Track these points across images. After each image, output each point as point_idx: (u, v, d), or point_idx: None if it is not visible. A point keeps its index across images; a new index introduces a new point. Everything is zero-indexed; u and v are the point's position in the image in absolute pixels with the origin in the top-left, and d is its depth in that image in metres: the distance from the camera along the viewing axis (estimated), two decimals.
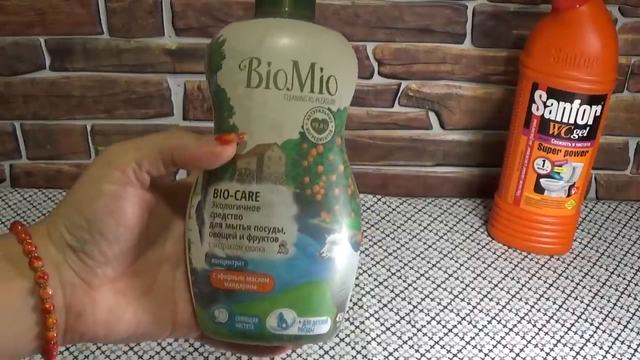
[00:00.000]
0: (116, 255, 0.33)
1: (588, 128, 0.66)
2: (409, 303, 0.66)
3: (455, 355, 0.60)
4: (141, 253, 0.35)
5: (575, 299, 0.67)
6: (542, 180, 0.69)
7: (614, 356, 0.60)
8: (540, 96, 0.66)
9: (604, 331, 0.63)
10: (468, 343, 0.61)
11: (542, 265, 0.72)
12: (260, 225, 0.33)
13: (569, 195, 0.70)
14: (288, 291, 0.34)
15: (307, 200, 0.34)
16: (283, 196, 0.33)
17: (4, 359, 0.31)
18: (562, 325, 0.64)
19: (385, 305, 0.65)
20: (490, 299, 0.67)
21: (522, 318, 0.64)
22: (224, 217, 0.34)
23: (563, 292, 0.68)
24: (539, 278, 0.70)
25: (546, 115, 0.66)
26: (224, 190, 0.34)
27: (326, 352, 0.59)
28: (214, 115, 0.35)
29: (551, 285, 0.69)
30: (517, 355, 0.60)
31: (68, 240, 0.32)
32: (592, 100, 0.65)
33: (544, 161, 0.68)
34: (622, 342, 0.62)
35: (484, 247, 0.74)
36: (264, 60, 0.33)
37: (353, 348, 0.59)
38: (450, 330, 0.62)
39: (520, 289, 0.68)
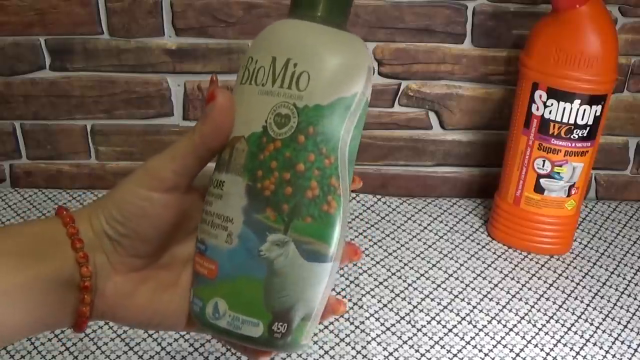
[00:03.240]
0: (146, 251, 0.36)
1: (588, 128, 0.66)
2: (409, 303, 0.66)
3: (455, 355, 0.60)
4: (170, 249, 0.37)
5: (575, 299, 0.67)
6: (542, 180, 0.69)
7: (614, 356, 0.60)
8: (540, 96, 0.66)
9: (604, 331, 0.63)
10: (468, 343, 0.61)
11: (542, 265, 0.72)
12: (219, 213, 0.35)
13: (569, 195, 0.70)
14: (226, 282, 0.34)
15: (255, 194, 0.34)
16: (238, 187, 0.34)
17: (41, 329, 0.35)
18: (562, 325, 0.64)
19: (385, 305, 0.65)
20: (490, 299, 0.67)
21: (522, 318, 0.64)
22: (206, 203, 0.36)
23: (563, 292, 0.68)
24: (539, 278, 0.70)
25: (546, 115, 0.66)
26: (213, 180, 0.36)
27: (326, 352, 0.59)
28: None
29: (551, 285, 0.69)
30: (517, 355, 0.60)
31: (106, 229, 0.35)
32: (592, 100, 0.65)
33: (544, 161, 0.68)
34: (622, 342, 0.62)
35: (484, 247, 0.74)
36: (254, 58, 0.35)
37: (353, 348, 0.59)
38: (450, 330, 0.62)
39: (520, 289, 0.68)
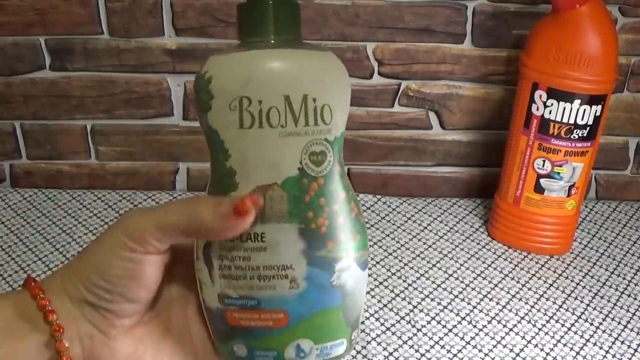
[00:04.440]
0: (136, 311, 0.34)
1: (588, 128, 0.66)
2: (409, 303, 0.66)
3: (455, 355, 0.60)
4: (155, 300, 0.36)
5: (575, 299, 0.67)
6: (542, 180, 0.69)
7: (614, 356, 0.60)
8: (540, 96, 0.66)
9: (604, 331, 0.63)
10: (468, 343, 0.61)
11: (542, 265, 0.72)
12: (269, 265, 0.33)
13: (569, 195, 0.70)
14: (302, 323, 0.34)
15: (312, 235, 0.34)
16: (288, 234, 0.33)
17: None
18: (562, 325, 0.64)
19: (385, 305, 0.65)
20: (490, 299, 0.67)
21: (522, 318, 0.64)
22: (232, 259, 0.34)
23: (563, 292, 0.68)
24: (539, 278, 0.70)
25: (546, 115, 0.66)
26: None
27: None
28: (210, 155, 0.35)
29: (551, 285, 0.69)
30: (517, 355, 0.60)
31: (87, 297, 0.32)
32: (592, 100, 0.65)
33: (544, 161, 0.68)
34: (622, 342, 0.62)
35: (484, 247, 0.74)
36: (254, 99, 0.32)
37: (353, 348, 0.59)
38: (450, 330, 0.62)
39: (520, 289, 0.68)
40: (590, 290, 0.69)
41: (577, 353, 0.60)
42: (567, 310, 0.66)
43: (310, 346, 0.34)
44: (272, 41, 0.34)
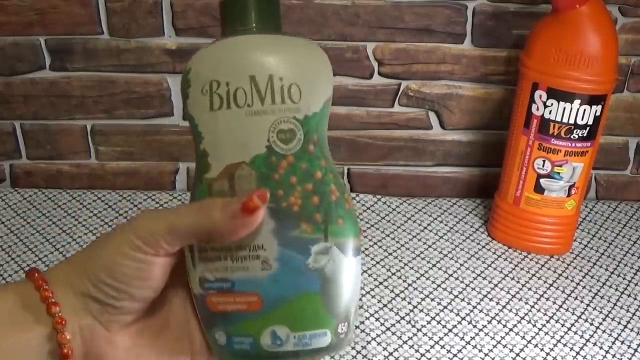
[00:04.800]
0: (140, 310, 0.34)
1: (588, 128, 0.66)
2: (409, 303, 0.66)
3: (455, 355, 0.60)
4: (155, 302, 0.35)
5: (575, 299, 0.67)
6: (542, 180, 0.69)
7: (614, 356, 0.60)
8: (540, 96, 0.66)
9: (604, 331, 0.63)
10: (468, 343, 0.61)
11: (542, 265, 0.72)
12: (240, 245, 0.33)
13: (569, 195, 0.70)
14: (278, 307, 0.33)
15: (283, 214, 0.33)
16: None
17: None
18: (562, 325, 0.64)
19: (385, 305, 0.65)
20: (490, 299, 0.67)
21: (522, 318, 0.64)
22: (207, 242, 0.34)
23: (563, 292, 0.68)
24: (539, 278, 0.70)
25: (546, 115, 0.66)
26: None
27: None
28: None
29: (551, 285, 0.69)
30: (517, 355, 0.60)
31: (93, 293, 0.32)
32: (592, 100, 0.65)
33: (544, 161, 0.68)
34: (622, 342, 0.62)
35: (484, 247, 0.74)
36: (222, 81, 0.33)
37: (353, 348, 0.59)
38: (450, 330, 0.62)
39: (520, 289, 0.68)
40: (590, 290, 0.69)
41: (577, 353, 0.60)
42: (567, 310, 0.66)
43: (287, 333, 0.33)
44: (251, 31, 0.35)
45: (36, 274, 0.33)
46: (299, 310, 0.33)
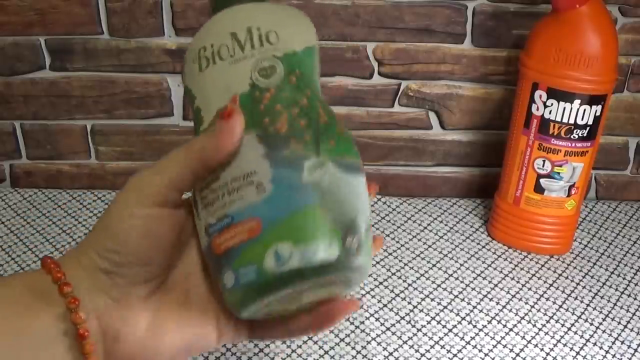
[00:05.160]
0: (150, 276, 0.33)
1: (588, 128, 0.66)
2: (409, 303, 0.66)
3: (455, 355, 0.60)
4: (170, 268, 0.35)
5: (575, 299, 0.67)
6: (542, 180, 0.69)
7: (614, 356, 0.60)
8: (540, 96, 0.66)
9: (604, 331, 0.63)
10: (468, 343, 0.61)
11: (542, 265, 0.72)
12: (234, 177, 0.33)
13: (569, 195, 0.70)
14: (277, 226, 0.32)
15: (271, 138, 0.33)
16: (248, 143, 0.33)
17: None
18: (562, 325, 0.64)
19: (385, 305, 0.65)
20: (490, 299, 0.67)
21: (522, 318, 0.64)
22: (207, 186, 0.34)
23: (563, 292, 0.68)
24: (539, 278, 0.70)
25: (546, 115, 0.66)
26: None
27: (326, 352, 0.59)
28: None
29: (551, 285, 0.69)
30: (517, 355, 0.60)
31: (100, 264, 0.32)
32: (592, 100, 0.65)
33: (544, 161, 0.68)
34: (622, 342, 0.62)
35: (484, 247, 0.75)
36: (208, 45, 0.36)
37: (353, 348, 0.60)
38: (450, 330, 0.62)
39: (520, 289, 0.68)
40: (590, 290, 0.69)
41: (577, 353, 0.60)
42: (567, 310, 0.66)
43: (290, 250, 0.31)
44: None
45: (48, 260, 0.32)
46: (299, 224, 0.32)
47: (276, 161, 0.33)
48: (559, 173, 0.69)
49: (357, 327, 0.62)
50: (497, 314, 0.65)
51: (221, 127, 0.32)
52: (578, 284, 0.70)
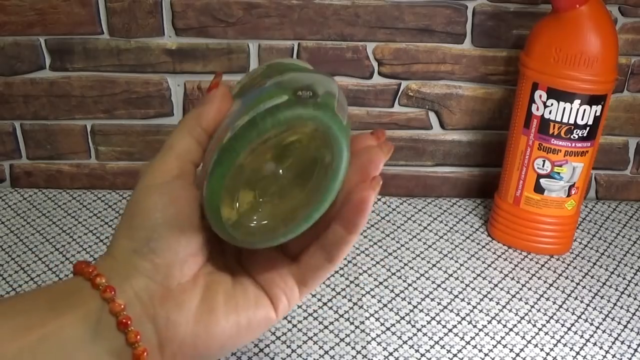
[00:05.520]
0: (187, 252, 0.32)
1: (588, 128, 0.66)
2: (409, 303, 0.66)
3: (455, 355, 0.60)
4: (212, 256, 0.34)
5: (575, 299, 0.67)
6: (542, 180, 0.69)
7: (614, 356, 0.60)
8: (540, 96, 0.66)
9: (604, 331, 0.63)
10: (468, 343, 0.61)
11: (542, 265, 0.72)
12: (221, 130, 0.35)
13: (569, 195, 0.70)
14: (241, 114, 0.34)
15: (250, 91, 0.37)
16: (235, 106, 0.37)
17: None
18: (562, 325, 0.64)
19: (385, 305, 0.65)
20: (490, 299, 0.67)
21: (522, 318, 0.64)
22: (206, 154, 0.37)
23: (563, 292, 0.68)
24: (539, 278, 0.70)
25: (546, 115, 0.66)
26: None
27: (326, 352, 0.59)
28: None
29: (551, 285, 0.69)
30: (517, 355, 0.60)
31: (131, 247, 0.31)
32: (592, 100, 0.65)
33: (544, 161, 0.68)
34: (622, 342, 0.62)
35: (484, 247, 0.74)
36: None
37: (353, 348, 0.59)
38: (450, 330, 0.62)
39: (520, 289, 0.68)
40: (590, 290, 0.69)
41: (577, 353, 0.60)
42: (567, 310, 0.66)
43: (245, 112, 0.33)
44: None
45: (82, 263, 0.31)
46: (259, 100, 0.33)
47: (248, 99, 0.35)
48: (559, 173, 0.68)
49: (357, 327, 0.62)
50: (497, 314, 0.65)
51: (215, 93, 0.36)
52: (578, 284, 0.70)
